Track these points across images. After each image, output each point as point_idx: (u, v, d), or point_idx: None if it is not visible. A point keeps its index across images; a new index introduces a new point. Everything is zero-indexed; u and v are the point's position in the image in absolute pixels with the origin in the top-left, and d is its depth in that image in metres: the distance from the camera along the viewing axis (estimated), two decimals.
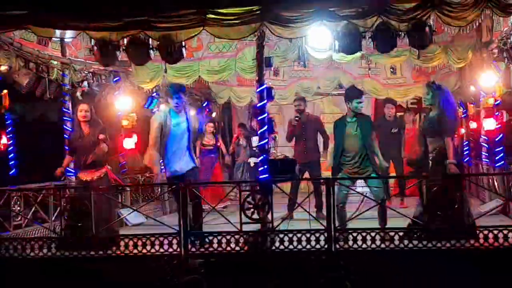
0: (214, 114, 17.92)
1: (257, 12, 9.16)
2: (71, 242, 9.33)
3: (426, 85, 9.72)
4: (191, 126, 9.94)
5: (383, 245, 8.74)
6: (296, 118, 12.82)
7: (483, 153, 14.20)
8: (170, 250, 9.04)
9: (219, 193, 12.95)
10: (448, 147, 9.15)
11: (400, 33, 9.19)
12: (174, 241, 9.04)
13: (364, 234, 8.77)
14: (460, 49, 11.90)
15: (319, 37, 9.61)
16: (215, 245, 9.02)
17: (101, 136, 9.77)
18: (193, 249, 9.06)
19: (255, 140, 12.91)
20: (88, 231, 9.25)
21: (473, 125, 16.01)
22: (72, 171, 11.11)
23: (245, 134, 15.61)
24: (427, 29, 9.14)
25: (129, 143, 14.15)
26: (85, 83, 12.49)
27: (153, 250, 9.09)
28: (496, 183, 12.60)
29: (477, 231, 8.72)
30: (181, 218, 9.10)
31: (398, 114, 15.73)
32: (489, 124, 13.42)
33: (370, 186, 9.78)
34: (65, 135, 11.50)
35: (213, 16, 9.24)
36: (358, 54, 10.48)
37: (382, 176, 10.23)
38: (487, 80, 12.46)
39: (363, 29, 9.21)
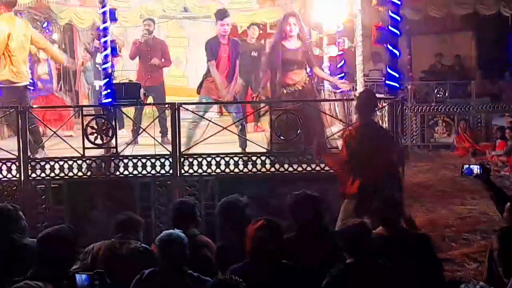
0: (55, 36, 17.14)
1: None
2: None
3: None
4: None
5: (236, 170, 8.84)
6: (145, 35, 12.50)
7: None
8: (9, 176, 8.75)
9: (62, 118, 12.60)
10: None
11: None
12: (13, 167, 8.75)
13: (209, 159, 8.84)
14: None
15: None
16: (57, 171, 8.79)
17: None
18: (34, 175, 8.79)
19: (99, 58, 12.53)
20: None
21: (316, 51, 16.28)
22: None
23: (88, 57, 14.97)
24: None
25: None
26: None
27: None
28: (337, 109, 12.84)
29: None
30: (20, 143, 8.79)
31: None
32: (332, 50, 13.76)
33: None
34: None
35: None
36: None
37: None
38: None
39: None
